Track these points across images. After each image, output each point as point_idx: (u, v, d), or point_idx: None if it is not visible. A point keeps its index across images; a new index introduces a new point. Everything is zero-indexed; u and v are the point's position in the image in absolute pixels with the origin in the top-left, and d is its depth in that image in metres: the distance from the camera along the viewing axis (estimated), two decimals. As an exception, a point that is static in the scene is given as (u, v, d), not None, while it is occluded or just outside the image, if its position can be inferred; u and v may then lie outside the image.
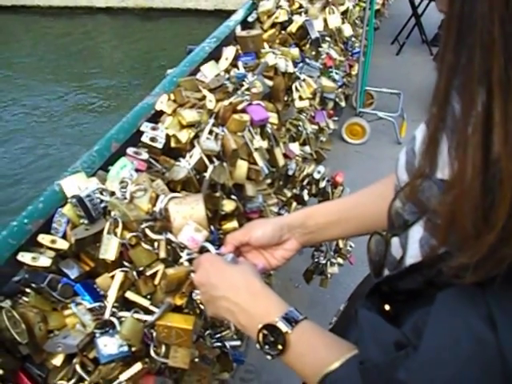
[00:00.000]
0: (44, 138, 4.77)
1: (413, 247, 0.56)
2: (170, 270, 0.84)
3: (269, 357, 0.60)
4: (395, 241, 0.62)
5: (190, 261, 0.88)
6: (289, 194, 1.72)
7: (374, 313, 0.55)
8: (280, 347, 0.58)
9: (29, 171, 4.27)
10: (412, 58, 4.56)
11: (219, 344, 1.19)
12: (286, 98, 1.55)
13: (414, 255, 0.55)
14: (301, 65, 1.61)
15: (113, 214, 0.84)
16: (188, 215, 0.84)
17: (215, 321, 1.14)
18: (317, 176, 1.80)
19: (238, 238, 0.82)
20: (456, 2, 0.41)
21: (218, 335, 1.19)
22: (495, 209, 0.39)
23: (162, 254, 0.84)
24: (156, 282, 0.86)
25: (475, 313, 0.43)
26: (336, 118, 2.46)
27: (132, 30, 7.53)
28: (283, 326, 0.58)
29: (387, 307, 0.56)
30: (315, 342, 0.59)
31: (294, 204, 1.80)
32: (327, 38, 1.94)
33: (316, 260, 1.84)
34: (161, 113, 1.17)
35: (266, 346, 0.60)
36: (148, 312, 0.85)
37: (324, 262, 1.84)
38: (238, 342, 1.22)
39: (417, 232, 0.55)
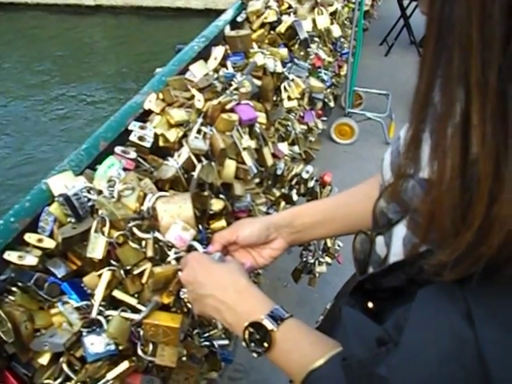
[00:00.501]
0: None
1: (396, 245, 0.57)
2: (158, 268, 0.84)
3: (255, 354, 0.61)
4: (380, 240, 0.63)
5: (178, 259, 0.88)
6: (277, 194, 1.72)
7: (357, 310, 0.56)
8: (266, 345, 0.59)
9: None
10: (401, 59, 4.60)
11: (207, 343, 1.19)
12: (274, 98, 1.55)
13: (397, 253, 0.56)
14: (289, 65, 1.61)
15: (100, 212, 0.84)
16: (176, 214, 0.84)
17: (203, 320, 1.15)
18: (305, 176, 1.81)
19: (226, 237, 0.83)
20: (436, 3, 0.42)
21: (207, 334, 1.20)
22: (472, 208, 0.40)
23: (150, 253, 0.84)
24: (143, 280, 0.86)
25: (455, 309, 0.43)
26: (325, 118, 2.47)
27: (121, 28, 7.48)
28: (269, 324, 0.59)
29: (370, 304, 0.57)
30: (300, 340, 0.60)
31: (283, 203, 1.81)
32: (316, 39, 1.96)
33: (304, 259, 1.85)
34: (149, 112, 1.17)
35: (252, 344, 0.60)
36: (135, 310, 0.85)
37: (312, 261, 1.85)
38: (226, 341, 1.22)
39: (400, 231, 0.56)
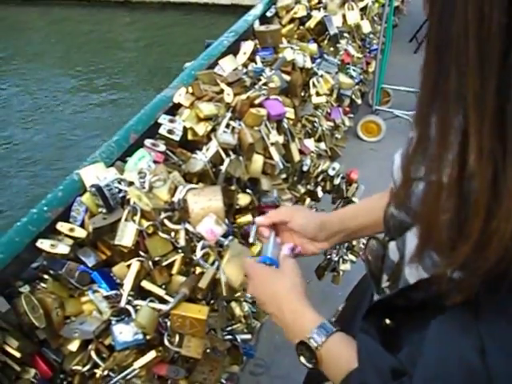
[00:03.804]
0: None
1: (410, 251, 0.56)
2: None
3: (308, 366, 0.63)
4: (392, 245, 0.63)
5: (204, 255, 0.90)
6: (302, 190, 1.72)
7: (372, 335, 0.56)
8: (313, 361, 0.62)
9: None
10: (430, 57, 4.51)
11: (230, 337, 1.20)
12: (302, 94, 1.54)
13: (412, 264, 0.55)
14: (319, 60, 1.60)
15: (132, 202, 0.85)
16: (206, 206, 0.85)
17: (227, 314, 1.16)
18: (331, 173, 1.79)
19: (281, 217, 0.82)
20: (434, 18, 0.41)
21: (229, 328, 1.20)
22: (470, 222, 0.40)
23: (182, 243, 0.85)
24: (174, 271, 0.87)
25: (467, 344, 0.43)
26: (352, 116, 2.44)
27: (149, 23, 7.56)
28: (313, 343, 0.61)
29: (388, 321, 0.57)
30: (340, 356, 0.61)
31: (308, 200, 1.80)
32: (345, 35, 1.93)
33: (328, 256, 1.84)
34: (178, 105, 1.18)
35: (302, 358, 0.63)
36: (163, 301, 0.86)
37: (336, 258, 1.84)
38: (248, 336, 1.22)
39: (412, 238, 0.56)
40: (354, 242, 1.86)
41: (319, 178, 1.79)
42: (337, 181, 1.81)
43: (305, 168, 1.65)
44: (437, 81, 0.42)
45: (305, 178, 1.70)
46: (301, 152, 1.54)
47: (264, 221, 0.82)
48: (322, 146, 1.86)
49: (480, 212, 0.39)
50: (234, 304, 1.20)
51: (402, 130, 3.44)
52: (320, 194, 1.81)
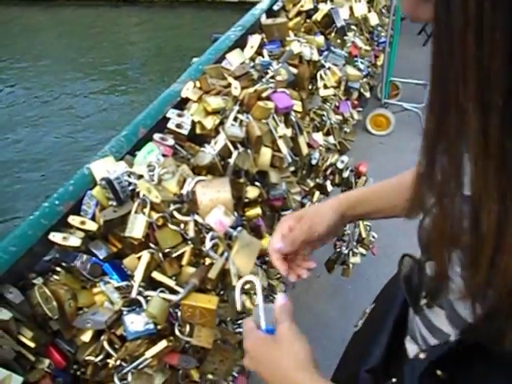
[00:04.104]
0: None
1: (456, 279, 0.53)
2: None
3: None
4: (431, 264, 0.58)
5: (213, 246, 0.90)
6: (311, 184, 1.72)
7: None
8: None
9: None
10: (439, 49, 4.47)
11: (241, 330, 1.21)
12: (310, 87, 1.54)
13: (456, 283, 0.52)
14: (326, 53, 1.60)
15: (141, 194, 0.86)
16: (214, 198, 0.86)
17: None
18: (340, 166, 1.79)
19: (300, 239, 0.73)
20: (436, 53, 0.41)
21: (240, 321, 1.21)
22: (478, 255, 0.41)
23: (191, 234, 0.86)
24: (184, 262, 0.88)
25: None
26: (360, 109, 2.43)
27: (157, 20, 7.58)
28: None
29: (439, 372, 0.54)
30: None
31: (317, 194, 1.80)
32: (353, 27, 1.93)
33: (338, 250, 1.84)
34: (186, 100, 1.19)
35: None
36: (173, 292, 0.87)
37: (346, 251, 1.84)
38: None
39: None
40: (364, 235, 1.86)
41: (328, 172, 1.79)
42: (346, 174, 1.81)
43: (313, 161, 1.65)
44: (440, 118, 0.42)
45: (314, 171, 1.70)
46: (309, 146, 1.54)
47: (285, 247, 0.72)
48: (331, 139, 1.86)
49: (488, 246, 0.39)
50: (244, 296, 1.21)
51: (411, 122, 3.42)
52: (329, 187, 1.81)
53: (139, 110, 1.14)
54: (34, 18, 7.88)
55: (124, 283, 0.84)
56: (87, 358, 0.86)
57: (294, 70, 1.39)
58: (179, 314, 0.88)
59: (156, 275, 0.88)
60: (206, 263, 0.94)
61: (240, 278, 0.92)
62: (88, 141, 4.63)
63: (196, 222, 0.88)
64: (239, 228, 0.92)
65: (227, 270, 0.92)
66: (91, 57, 6.46)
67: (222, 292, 1.01)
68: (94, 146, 4.40)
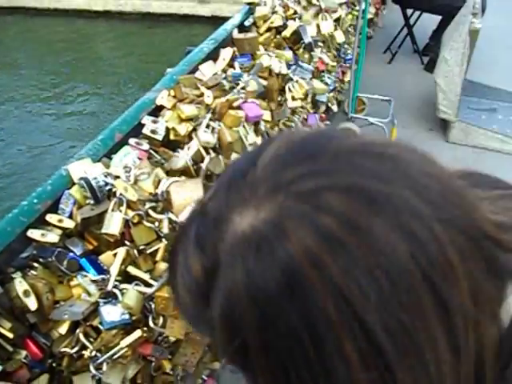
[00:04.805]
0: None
1: None
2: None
3: None
4: None
5: None
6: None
7: None
8: None
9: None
10: (404, 67, 4.67)
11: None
12: (279, 98, 1.63)
13: None
14: (294, 67, 1.69)
15: (118, 193, 0.91)
16: (188, 197, 0.91)
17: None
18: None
19: None
20: None
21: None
22: None
23: (166, 231, 0.91)
24: (158, 258, 0.93)
25: None
26: (328, 123, 2.54)
27: (129, 34, 7.60)
28: None
29: None
30: None
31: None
32: (320, 44, 2.03)
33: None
34: (161, 107, 1.24)
35: None
36: (148, 285, 0.92)
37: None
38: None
39: None
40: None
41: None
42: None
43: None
44: None
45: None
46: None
47: None
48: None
49: None
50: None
51: (376, 136, 3.55)
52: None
53: (106, 119, 1.19)
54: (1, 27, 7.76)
55: (100, 277, 0.89)
56: (63, 349, 0.90)
57: (264, 82, 1.47)
58: (153, 306, 0.92)
59: (131, 269, 0.92)
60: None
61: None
62: (54, 149, 4.54)
63: (170, 220, 0.94)
64: None
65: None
66: (57, 65, 6.37)
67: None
68: (60, 155, 4.31)
